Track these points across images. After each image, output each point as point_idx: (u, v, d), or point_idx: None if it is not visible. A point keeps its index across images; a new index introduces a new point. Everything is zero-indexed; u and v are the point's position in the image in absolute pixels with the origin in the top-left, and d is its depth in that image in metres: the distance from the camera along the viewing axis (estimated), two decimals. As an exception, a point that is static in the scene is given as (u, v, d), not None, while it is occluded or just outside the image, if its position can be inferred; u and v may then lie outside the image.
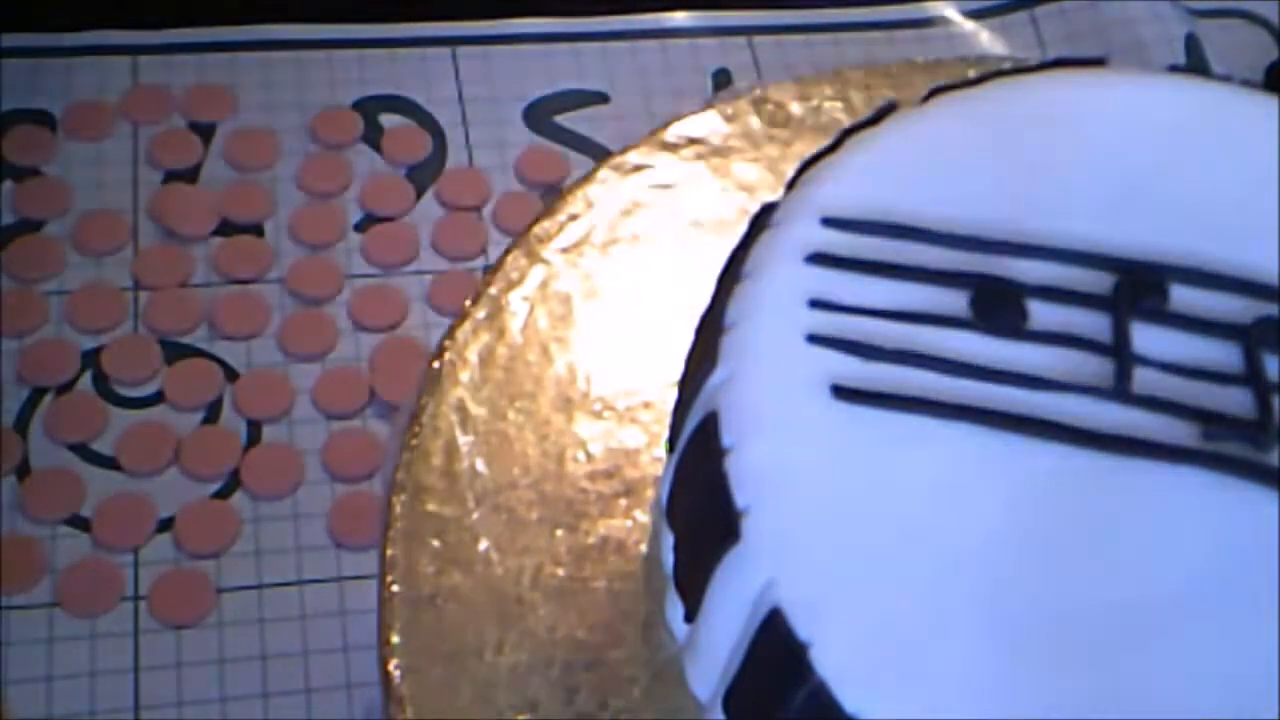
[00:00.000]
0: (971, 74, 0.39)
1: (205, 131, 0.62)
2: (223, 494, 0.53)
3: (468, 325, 0.40)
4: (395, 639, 0.35)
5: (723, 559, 0.30)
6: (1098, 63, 0.38)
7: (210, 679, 0.49)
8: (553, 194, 0.49)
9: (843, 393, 0.31)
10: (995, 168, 0.35)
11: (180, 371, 0.56)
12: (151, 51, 0.64)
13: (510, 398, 0.39)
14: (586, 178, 0.44)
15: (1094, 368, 0.32)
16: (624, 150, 0.45)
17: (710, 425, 0.32)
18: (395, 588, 0.36)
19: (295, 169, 0.62)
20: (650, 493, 0.38)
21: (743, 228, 0.35)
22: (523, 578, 0.36)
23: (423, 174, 0.62)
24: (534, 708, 0.34)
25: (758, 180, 0.44)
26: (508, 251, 0.42)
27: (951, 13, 0.70)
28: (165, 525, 0.52)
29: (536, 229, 0.42)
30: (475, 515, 0.37)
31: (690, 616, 0.33)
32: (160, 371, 0.56)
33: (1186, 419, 0.31)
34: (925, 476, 0.30)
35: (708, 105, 0.46)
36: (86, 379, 0.55)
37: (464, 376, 0.39)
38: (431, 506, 0.37)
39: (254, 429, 0.55)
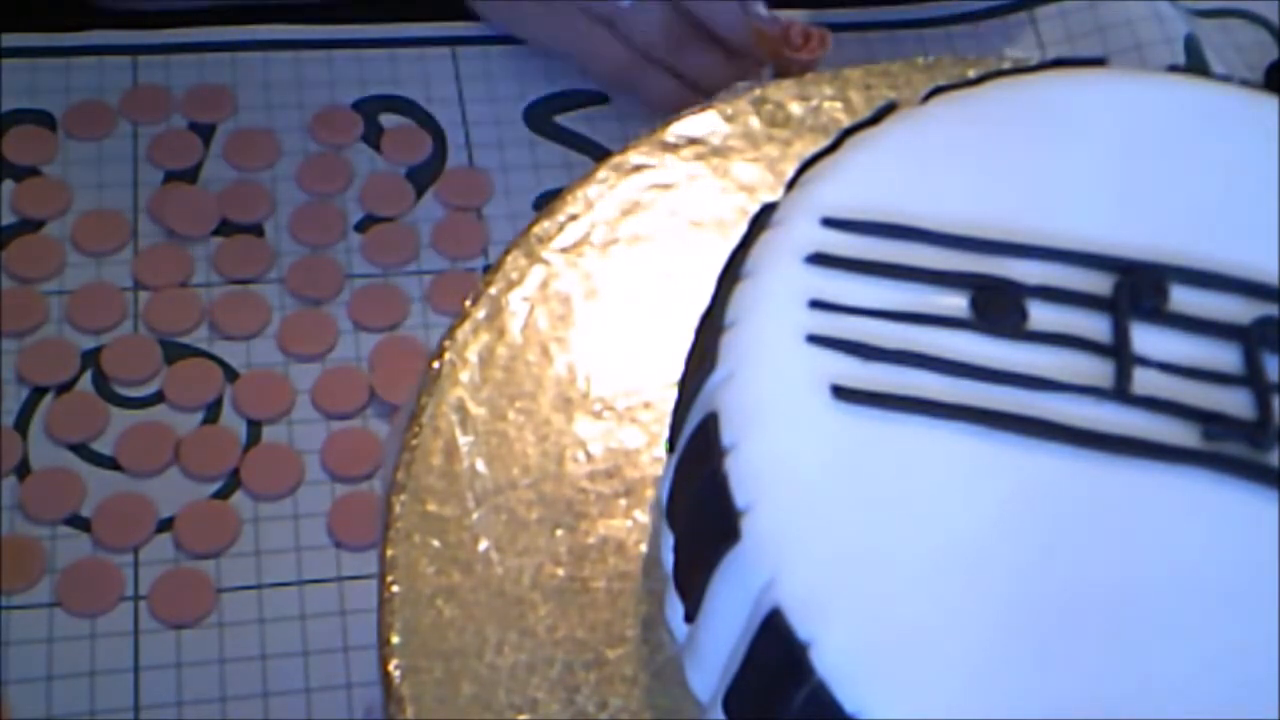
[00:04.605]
0: (971, 74, 0.39)
1: (205, 131, 0.62)
2: (223, 494, 0.53)
3: (468, 325, 0.40)
4: (395, 639, 0.35)
5: (723, 559, 0.30)
6: (1097, 63, 0.38)
7: (210, 679, 0.49)
8: (552, 194, 0.49)
9: (843, 393, 0.31)
10: (995, 168, 0.35)
11: (180, 371, 0.56)
12: (151, 51, 0.64)
13: (510, 398, 0.39)
14: (586, 178, 0.44)
15: (1094, 368, 0.32)
16: (624, 150, 0.45)
17: (710, 425, 0.32)
18: (395, 588, 0.36)
19: (295, 169, 0.62)
20: (650, 493, 0.38)
21: (743, 228, 0.35)
22: (523, 578, 0.36)
23: (423, 174, 0.62)
24: (534, 708, 0.34)
25: (758, 180, 0.44)
26: (508, 251, 0.42)
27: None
28: (165, 525, 0.52)
29: (536, 229, 0.42)
30: (475, 515, 0.37)
31: (690, 616, 0.33)
32: (160, 371, 0.56)
33: (1186, 420, 0.31)
34: (925, 476, 0.31)
35: (708, 105, 0.46)
36: (86, 379, 0.55)
37: (464, 376, 0.39)
38: (431, 506, 0.37)
39: (254, 429, 0.54)
